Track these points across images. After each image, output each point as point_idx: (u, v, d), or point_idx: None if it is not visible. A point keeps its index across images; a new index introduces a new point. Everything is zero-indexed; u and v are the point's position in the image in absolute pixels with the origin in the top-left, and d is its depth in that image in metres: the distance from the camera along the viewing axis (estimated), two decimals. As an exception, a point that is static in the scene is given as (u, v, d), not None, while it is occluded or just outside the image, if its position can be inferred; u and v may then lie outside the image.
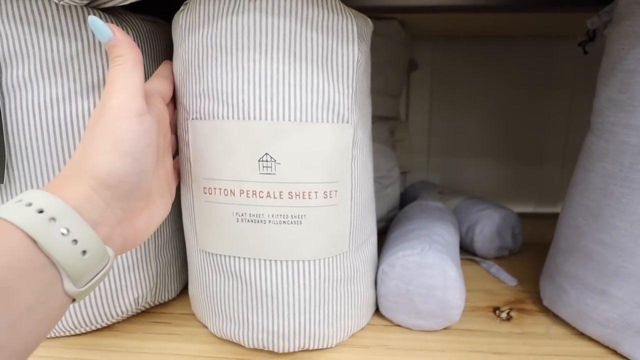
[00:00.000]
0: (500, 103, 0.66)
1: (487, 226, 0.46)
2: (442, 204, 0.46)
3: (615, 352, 0.30)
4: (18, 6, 0.28)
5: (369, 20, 0.31)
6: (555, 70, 0.64)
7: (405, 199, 0.59)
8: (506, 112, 0.66)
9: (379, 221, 0.48)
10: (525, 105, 0.66)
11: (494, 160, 0.68)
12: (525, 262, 0.46)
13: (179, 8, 0.30)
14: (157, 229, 0.35)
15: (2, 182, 0.28)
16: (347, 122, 0.27)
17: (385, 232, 0.44)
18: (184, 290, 0.40)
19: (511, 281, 0.40)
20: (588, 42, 0.36)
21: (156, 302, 0.36)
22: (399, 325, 0.33)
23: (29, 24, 0.28)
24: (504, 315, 0.35)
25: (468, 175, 0.69)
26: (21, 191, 0.29)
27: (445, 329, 0.33)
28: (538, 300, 0.37)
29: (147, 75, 0.34)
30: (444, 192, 0.56)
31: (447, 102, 0.67)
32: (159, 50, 0.36)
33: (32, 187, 0.29)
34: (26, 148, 0.29)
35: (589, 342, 0.31)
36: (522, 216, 0.49)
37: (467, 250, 0.48)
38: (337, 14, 0.27)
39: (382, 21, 0.48)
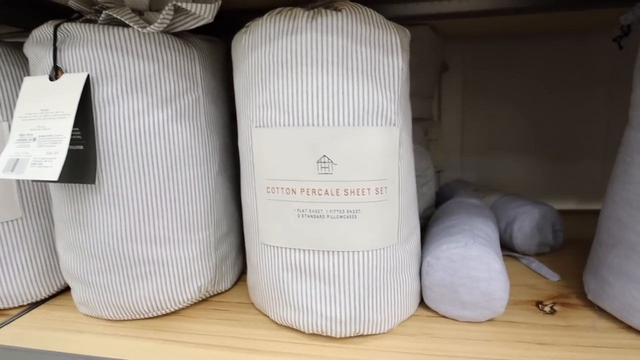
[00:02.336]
0: (535, 100, 0.67)
1: (527, 222, 0.47)
2: (480, 201, 0.49)
3: (664, 344, 0.31)
4: (108, 35, 0.33)
5: (407, 31, 0.34)
6: (592, 64, 0.64)
7: (441, 198, 0.61)
8: (542, 109, 0.67)
9: (417, 220, 0.51)
10: (562, 102, 0.67)
11: (530, 157, 0.69)
12: (568, 258, 0.47)
13: (229, 29, 0.35)
14: (216, 226, 0.40)
15: (94, 183, 0.34)
16: (394, 124, 0.31)
17: (422, 230, 0.47)
18: (237, 282, 0.45)
19: (553, 276, 0.42)
20: (622, 37, 0.38)
21: (215, 291, 0.41)
22: (444, 316, 0.36)
23: (116, 49, 0.34)
24: (547, 308, 0.37)
25: (503, 174, 0.71)
26: (109, 191, 0.35)
27: (489, 320, 0.35)
28: (582, 295, 0.38)
29: (210, 90, 0.39)
30: (480, 189, 0.58)
31: (479, 101, 0.70)
32: (217, 66, 0.41)
33: (118, 187, 0.35)
34: (113, 154, 0.34)
35: (636, 334, 0.33)
36: (563, 213, 0.51)
37: (506, 247, 0.50)
38: (383, 29, 0.31)
39: (414, 27, 0.52)
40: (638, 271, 0.31)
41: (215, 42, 0.42)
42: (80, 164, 0.34)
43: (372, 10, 0.32)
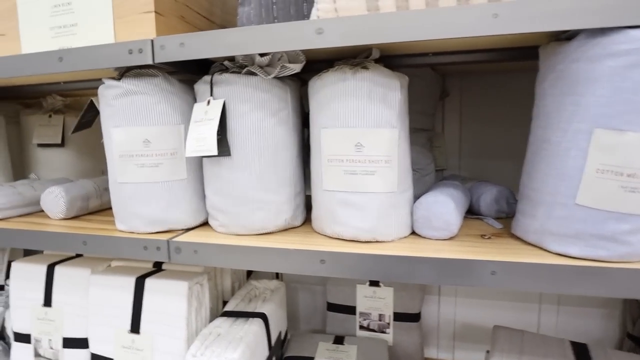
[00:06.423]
0: (515, 117, 0.97)
1: (488, 196, 0.77)
2: (459, 183, 0.79)
3: (542, 248, 0.60)
4: (246, 80, 0.68)
5: (406, 76, 0.67)
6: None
7: (438, 184, 0.91)
8: (522, 126, 0.97)
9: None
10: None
11: (513, 162, 0.98)
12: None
13: (305, 72, 0.69)
14: (295, 185, 0.73)
15: (230, 155, 0.68)
16: (395, 127, 0.63)
17: (420, 198, 0.77)
18: (303, 224, 0.77)
19: (498, 225, 0.71)
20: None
21: (292, 225, 0.74)
22: (424, 237, 0.67)
23: (250, 86, 0.68)
24: (486, 237, 0.66)
25: (491, 174, 1.00)
26: (240, 162, 0.69)
27: (450, 239, 0.65)
28: (510, 233, 0.67)
29: (295, 108, 0.73)
30: (465, 179, 0.88)
31: (473, 119, 1.00)
32: (298, 94, 0.75)
33: (245, 159, 0.68)
34: (244, 141, 0.68)
35: (527, 245, 0.61)
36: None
37: (475, 213, 0.79)
38: (389, 77, 0.63)
39: (418, 68, 0.84)
40: (528, 210, 0.60)
41: (297, 80, 0.76)
42: (221, 146, 0.69)
43: (384, 67, 0.64)
